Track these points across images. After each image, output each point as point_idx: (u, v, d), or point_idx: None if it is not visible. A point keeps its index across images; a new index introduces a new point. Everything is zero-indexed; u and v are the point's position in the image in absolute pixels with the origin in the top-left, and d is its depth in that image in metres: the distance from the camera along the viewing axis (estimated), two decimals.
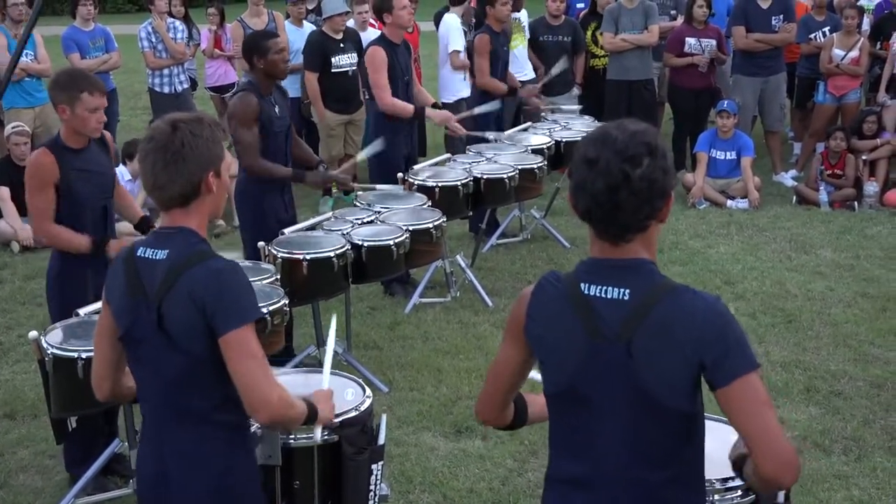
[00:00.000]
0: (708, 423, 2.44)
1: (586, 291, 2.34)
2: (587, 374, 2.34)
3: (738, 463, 2.45)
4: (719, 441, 2.68)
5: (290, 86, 8.71)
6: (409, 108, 7.30)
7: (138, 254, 2.79)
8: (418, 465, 4.96)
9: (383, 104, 7.28)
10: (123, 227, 6.14)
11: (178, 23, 10.77)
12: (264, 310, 4.55)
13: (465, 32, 9.65)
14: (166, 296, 2.69)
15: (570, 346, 2.36)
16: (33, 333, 4.17)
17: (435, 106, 7.85)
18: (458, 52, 9.38)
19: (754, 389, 2.23)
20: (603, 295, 2.32)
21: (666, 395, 2.27)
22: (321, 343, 5.85)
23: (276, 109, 5.93)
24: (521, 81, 9.30)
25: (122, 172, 8.39)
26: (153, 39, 10.38)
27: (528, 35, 10.13)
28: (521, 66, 9.77)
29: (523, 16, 10.07)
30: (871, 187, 9.36)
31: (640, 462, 2.34)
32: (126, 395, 3.05)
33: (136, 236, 5.45)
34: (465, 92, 9.32)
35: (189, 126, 2.72)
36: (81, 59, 10.03)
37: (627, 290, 2.30)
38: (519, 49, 9.82)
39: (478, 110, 8.12)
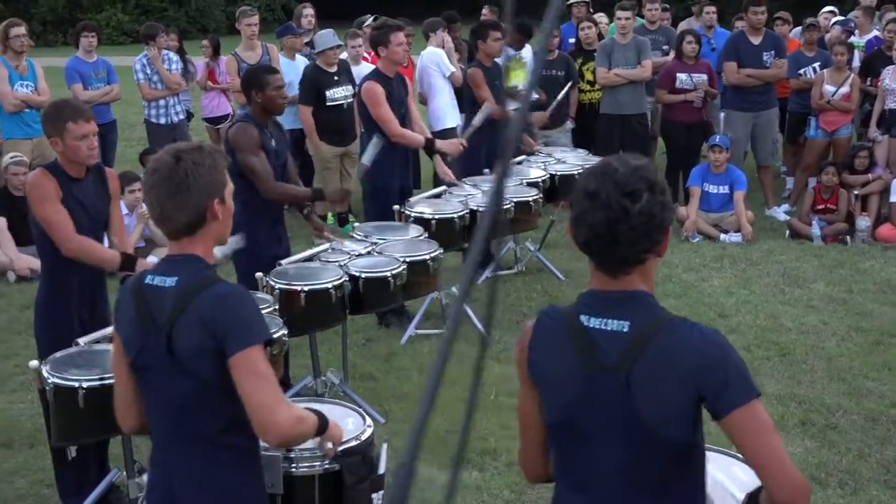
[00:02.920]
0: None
1: (586, 323, 2.35)
2: (585, 405, 2.35)
3: (752, 501, 2.42)
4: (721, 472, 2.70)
5: (285, 118, 8.76)
6: (420, 138, 7.38)
7: (146, 281, 2.82)
8: (415, 496, 4.93)
9: (393, 136, 7.20)
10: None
11: (172, 54, 10.84)
12: None
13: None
14: (177, 321, 2.72)
15: (568, 377, 2.37)
16: (34, 363, 4.19)
17: (431, 146, 7.70)
18: (454, 72, 9.53)
19: (757, 417, 2.24)
20: (603, 327, 2.33)
21: (664, 425, 2.28)
22: (318, 374, 5.86)
23: (273, 143, 5.97)
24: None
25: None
26: (148, 71, 10.43)
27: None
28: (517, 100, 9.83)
29: (527, 52, 10.15)
30: (864, 222, 9.42)
31: (637, 492, 2.34)
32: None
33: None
34: (454, 121, 9.38)
35: (191, 156, 2.77)
36: (84, 89, 10.08)
37: (627, 323, 2.32)
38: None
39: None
